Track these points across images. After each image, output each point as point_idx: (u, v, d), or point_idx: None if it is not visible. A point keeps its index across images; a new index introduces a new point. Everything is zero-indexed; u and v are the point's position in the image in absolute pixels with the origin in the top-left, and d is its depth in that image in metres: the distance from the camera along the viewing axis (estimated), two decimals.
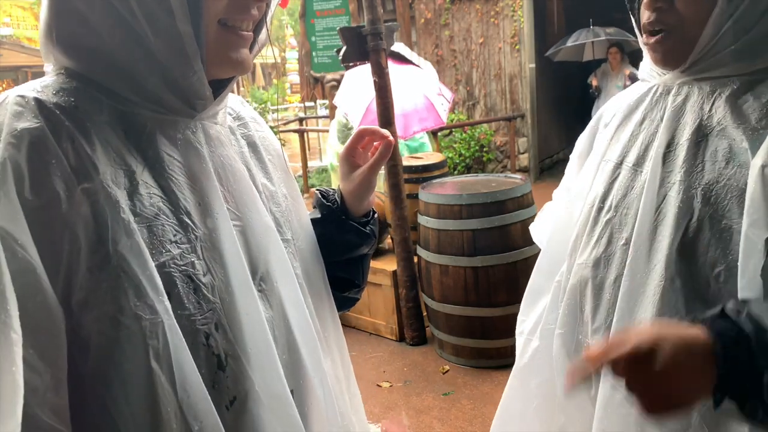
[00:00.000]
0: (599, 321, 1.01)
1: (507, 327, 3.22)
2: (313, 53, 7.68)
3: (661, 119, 0.97)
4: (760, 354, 0.70)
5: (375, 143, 0.92)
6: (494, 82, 7.90)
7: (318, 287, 0.89)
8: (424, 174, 3.94)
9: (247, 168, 0.80)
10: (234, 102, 0.87)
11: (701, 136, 0.91)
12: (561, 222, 1.17)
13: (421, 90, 4.16)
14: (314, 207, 0.95)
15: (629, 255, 0.95)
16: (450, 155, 7.34)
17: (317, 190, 0.96)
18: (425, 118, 4.09)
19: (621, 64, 6.33)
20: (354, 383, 0.94)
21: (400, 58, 4.35)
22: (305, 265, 0.86)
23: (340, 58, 3.41)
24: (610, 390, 0.95)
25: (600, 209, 1.03)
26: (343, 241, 0.93)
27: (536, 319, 1.19)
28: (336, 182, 4.46)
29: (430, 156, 4.29)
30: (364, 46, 3.31)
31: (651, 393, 0.73)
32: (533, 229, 1.42)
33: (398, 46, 4.32)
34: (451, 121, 7.32)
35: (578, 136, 1.23)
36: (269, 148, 0.88)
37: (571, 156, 1.25)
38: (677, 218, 0.90)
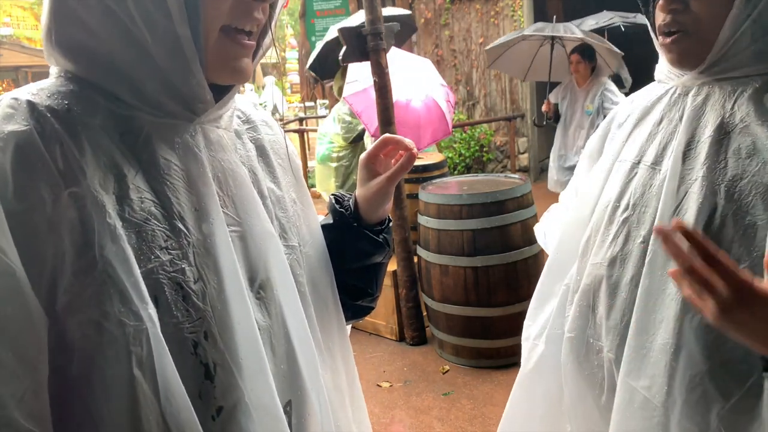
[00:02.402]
0: (614, 320, 0.99)
1: (507, 327, 3.22)
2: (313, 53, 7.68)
3: (680, 119, 0.96)
4: None
5: (400, 151, 0.90)
6: (494, 82, 7.90)
7: (324, 295, 0.87)
8: (424, 174, 3.94)
9: (252, 172, 0.78)
10: (245, 105, 0.86)
11: (723, 133, 0.90)
12: (570, 225, 1.15)
13: (431, 96, 4.11)
14: (328, 212, 0.93)
15: (648, 253, 0.93)
16: (450, 155, 7.34)
17: (332, 195, 0.94)
18: (437, 129, 4.03)
19: (591, 78, 4.31)
20: (358, 394, 0.92)
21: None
22: (312, 272, 0.85)
23: (340, 58, 3.41)
24: (627, 394, 0.93)
25: (616, 208, 1.01)
26: (355, 249, 0.91)
27: (543, 323, 1.16)
28: (322, 174, 4.41)
29: (430, 156, 4.29)
30: (364, 46, 3.31)
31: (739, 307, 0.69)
32: (538, 229, 1.40)
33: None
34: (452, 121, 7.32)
35: None
36: (280, 152, 0.86)
37: (581, 157, 1.24)
38: (699, 214, 0.88)
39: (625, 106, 1.13)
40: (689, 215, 0.89)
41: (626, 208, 0.99)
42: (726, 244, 0.86)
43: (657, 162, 0.97)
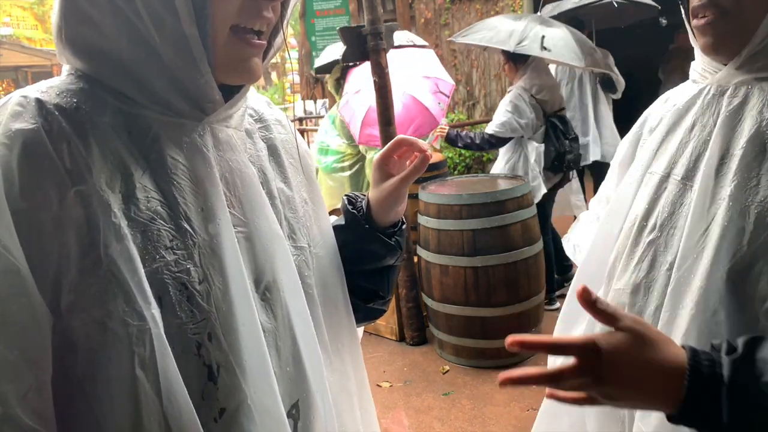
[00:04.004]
0: None
1: (507, 327, 3.22)
2: (313, 53, 7.69)
3: (714, 124, 0.84)
4: (730, 405, 0.61)
5: (415, 153, 0.88)
6: (494, 82, 7.91)
7: (335, 296, 0.86)
8: (424, 174, 3.90)
9: (262, 172, 0.78)
10: (258, 103, 0.85)
11: (759, 145, 0.78)
12: (599, 240, 1.04)
13: (409, 93, 4.06)
14: (341, 212, 0.93)
15: (671, 282, 0.83)
16: (450, 155, 7.34)
17: (345, 195, 0.93)
18: (421, 125, 3.97)
19: (515, 81, 3.79)
20: (368, 397, 0.91)
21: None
22: (322, 273, 0.84)
23: (340, 58, 3.41)
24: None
25: (642, 228, 0.90)
26: (366, 251, 0.90)
27: None
28: (329, 188, 4.37)
29: None
30: (364, 46, 3.31)
31: (609, 378, 0.64)
32: (567, 243, 1.30)
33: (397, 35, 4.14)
34: (451, 121, 7.32)
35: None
36: (291, 152, 0.85)
37: (611, 163, 1.13)
38: (722, 241, 0.77)
39: (658, 107, 1.01)
40: (712, 241, 0.78)
41: (653, 229, 0.89)
42: (753, 277, 0.74)
43: (688, 176, 0.86)
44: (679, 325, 0.80)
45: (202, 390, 0.64)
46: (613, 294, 0.94)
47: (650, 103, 1.06)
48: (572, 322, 1.07)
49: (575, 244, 1.27)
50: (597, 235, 1.06)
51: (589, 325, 1.01)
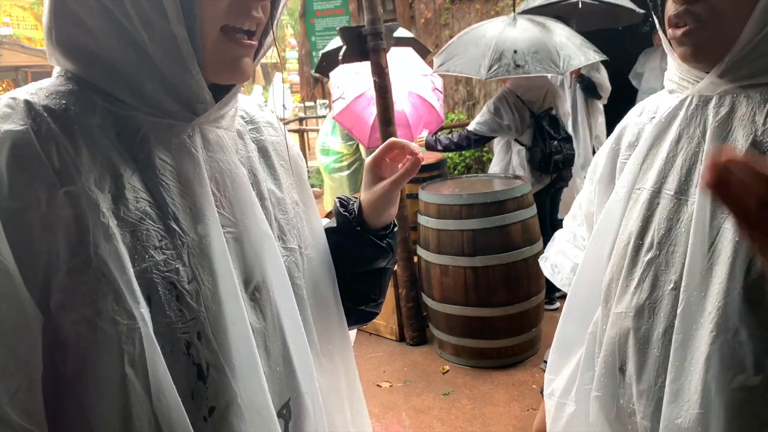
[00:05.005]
0: (646, 382, 0.84)
1: (507, 327, 3.23)
2: (313, 53, 7.70)
3: (702, 136, 0.82)
4: None
5: (407, 156, 0.88)
6: (494, 82, 7.87)
7: (326, 298, 0.86)
8: (423, 174, 3.93)
9: (253, 173, 0.78)
10: (249, 105, 0.85)
11: (758, 155, 0.76)
12: (589, 263, 1.00)
13: (414, 91, 4.05)
14: (334, 215, 0.93)
15: (681, 302, 0.80)
16: (450, 155, 7.33)
17: (337, 198, 0.93)
18: (429, 122, 4.00)
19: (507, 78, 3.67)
20: (359, 398, 0.91)
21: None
22: (313, 275, 0.84)
23: (340, 58, 3.41)
24: None
25: (638, 247, 0.87)
26: (358, 253, 0.90)
27: (569, 377, 1.01)
28: (331, 187, 4.39)
29: (429, 156, 4.28)
30: (364, 46, 3.31)
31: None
32: (544, 263, 1.25)
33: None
34: (451, 121, 7.32)
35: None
36: (282, 154, 0.86)
37: (586, 179, 1.10)
38: (735, 256, 0.75)
39: (632, 120, 0.98)
40: (723, 257, 0.76)
41: (650, 247, 0.86)
42: None
43: (682, 191, 0.84)
44: (698, 347, 0.77)
45: (192, 389, 0.64)
46: (614, 318, 0.90)
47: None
48: (568, 349, 1.04)
49: (553, 264, 1.21)
50: (586, 257, 1.01)
51: (588, 353, 0.97)
